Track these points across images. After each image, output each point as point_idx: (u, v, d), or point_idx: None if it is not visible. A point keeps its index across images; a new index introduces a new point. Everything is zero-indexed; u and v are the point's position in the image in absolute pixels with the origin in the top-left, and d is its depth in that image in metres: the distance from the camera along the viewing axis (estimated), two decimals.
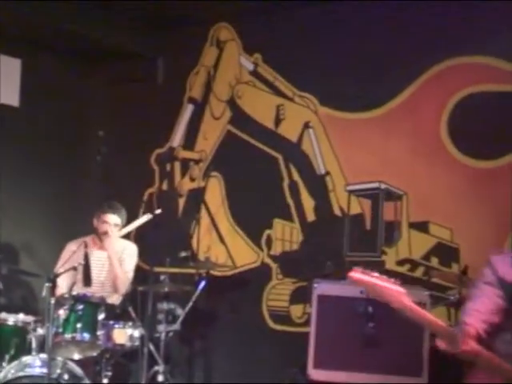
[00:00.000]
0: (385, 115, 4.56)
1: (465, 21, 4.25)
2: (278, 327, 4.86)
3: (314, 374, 3.76)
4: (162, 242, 5.01)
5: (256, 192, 4.98)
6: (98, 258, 4.51)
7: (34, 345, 3.93)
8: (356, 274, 2.38)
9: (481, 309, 2.53)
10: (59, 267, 4.26)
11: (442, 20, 4.32)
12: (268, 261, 4.98)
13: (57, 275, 3.78)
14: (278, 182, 4.97)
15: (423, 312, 2.43)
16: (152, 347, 4.23)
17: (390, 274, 4.26)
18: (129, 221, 5.41)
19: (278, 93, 5.01)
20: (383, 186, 4.56)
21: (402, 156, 4.48)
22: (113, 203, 4.59)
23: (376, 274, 2.40)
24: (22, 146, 5.30)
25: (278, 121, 5.02)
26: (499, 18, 4.14)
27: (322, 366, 3.74)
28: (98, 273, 4.45)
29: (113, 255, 4.48)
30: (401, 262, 4.47)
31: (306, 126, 4.89)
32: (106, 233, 4.48)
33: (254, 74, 5.12)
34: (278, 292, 4.90)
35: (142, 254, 4.86)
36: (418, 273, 4.41)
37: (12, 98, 5.32)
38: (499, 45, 4.14)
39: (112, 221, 4.51)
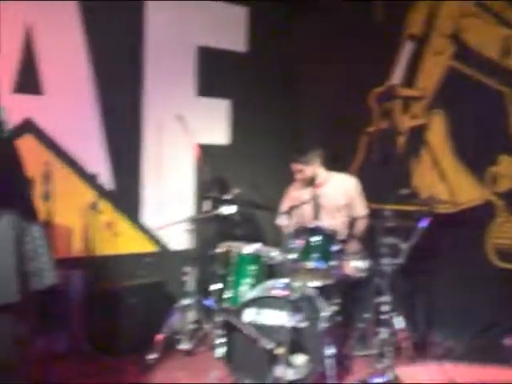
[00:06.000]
0: None
1: None
2: (505, 265, 4.78)
3: None
4: (383, 180, 5.16)
5: (481, 128, 4.83)
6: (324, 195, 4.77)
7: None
8: None
9: None
10: (286, 205, 4.60)
11: None
12: (493, 198, 4.87)
13: (293, 207, 4.07)
14: (504, 117, 4.78)
15: None
16: (378, 279, 4.42)
17: None
18: (348, 160, 5.62)
19: (506, 24, 4.76)
20: None
21: None
22: (298, 150, 4.66)
23: None
24: (250, 90, 5.67)
25: (505, 53, 4.79)
26: None
27: None
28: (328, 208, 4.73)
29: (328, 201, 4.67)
30: None
31: None
32: (299, 181, 4.65)
33: (480, 5, 4.90)
34: (505, 230, 4.80)
35: (364, 191, 5.03)
36: None
37: (239, 45, 5.71)
38: None
39: (297, 168, 4.62)
